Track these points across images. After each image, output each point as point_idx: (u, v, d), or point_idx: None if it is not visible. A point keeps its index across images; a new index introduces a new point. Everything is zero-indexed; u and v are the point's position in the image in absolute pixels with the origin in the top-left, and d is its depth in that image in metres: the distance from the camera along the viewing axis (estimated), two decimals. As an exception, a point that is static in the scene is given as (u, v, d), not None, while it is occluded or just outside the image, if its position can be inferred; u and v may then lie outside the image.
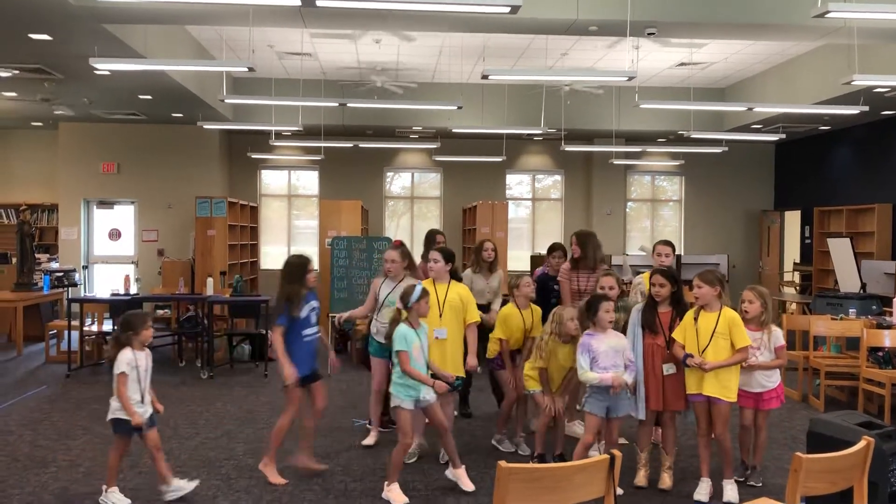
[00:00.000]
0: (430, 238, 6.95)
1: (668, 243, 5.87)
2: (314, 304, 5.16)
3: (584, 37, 9.27)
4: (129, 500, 4.60)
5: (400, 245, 5.87)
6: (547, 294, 6.21)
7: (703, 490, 4.81)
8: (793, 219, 14.93)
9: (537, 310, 5.75)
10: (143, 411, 4.57)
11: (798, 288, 14.06)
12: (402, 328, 4.77)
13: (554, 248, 6.54)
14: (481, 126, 13.15)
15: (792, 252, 14.87)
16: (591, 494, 2.73)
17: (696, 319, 4.75)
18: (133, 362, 4.55)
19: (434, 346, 5.12)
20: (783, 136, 13.31)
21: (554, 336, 5.18)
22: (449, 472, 5.04)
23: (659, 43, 10.42)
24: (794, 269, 14.52)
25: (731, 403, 4.72)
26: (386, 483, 4.77)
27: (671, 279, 4.92)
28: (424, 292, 4.86)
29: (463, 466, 4.99)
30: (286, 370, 4.91)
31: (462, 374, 5.35)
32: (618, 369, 4.72)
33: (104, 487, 4.63)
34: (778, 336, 5.07)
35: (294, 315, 4.99)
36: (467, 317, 5.38)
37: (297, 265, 5.13)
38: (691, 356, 4.67)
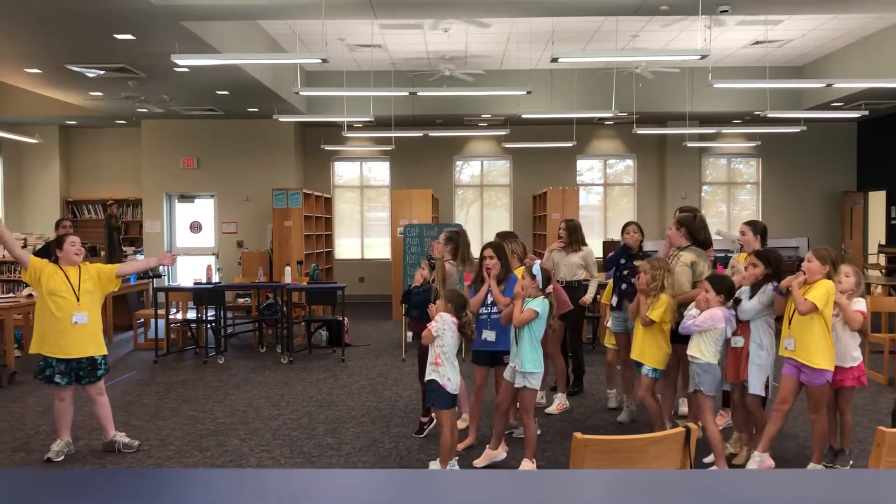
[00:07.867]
0: None
1: (748, 223, 5.56)
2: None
3: (655, 17, 9.13)
4: None
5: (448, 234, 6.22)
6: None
7: (753, 463, 4.71)
8: (877, 199, 14.38)
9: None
10: None
11: (884, 270, 13.57)
12: None
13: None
14: (551, 111, 13.08)
15: (876, 234, 14.34)
16: (666, 467, 2.75)
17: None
18: None
19: (73, 330, 5.20)
20: (866, 112, 12.82)
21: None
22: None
23: (732, 21, 10.17)
24: (880, 251, 14.00)
25: (823, 377, 4.54)
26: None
27: (765, 260, 4.85)
28: None
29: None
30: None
31: (103, 351, 5.41)
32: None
33: None
34: (860, 303, 4.74)
35: None
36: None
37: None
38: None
